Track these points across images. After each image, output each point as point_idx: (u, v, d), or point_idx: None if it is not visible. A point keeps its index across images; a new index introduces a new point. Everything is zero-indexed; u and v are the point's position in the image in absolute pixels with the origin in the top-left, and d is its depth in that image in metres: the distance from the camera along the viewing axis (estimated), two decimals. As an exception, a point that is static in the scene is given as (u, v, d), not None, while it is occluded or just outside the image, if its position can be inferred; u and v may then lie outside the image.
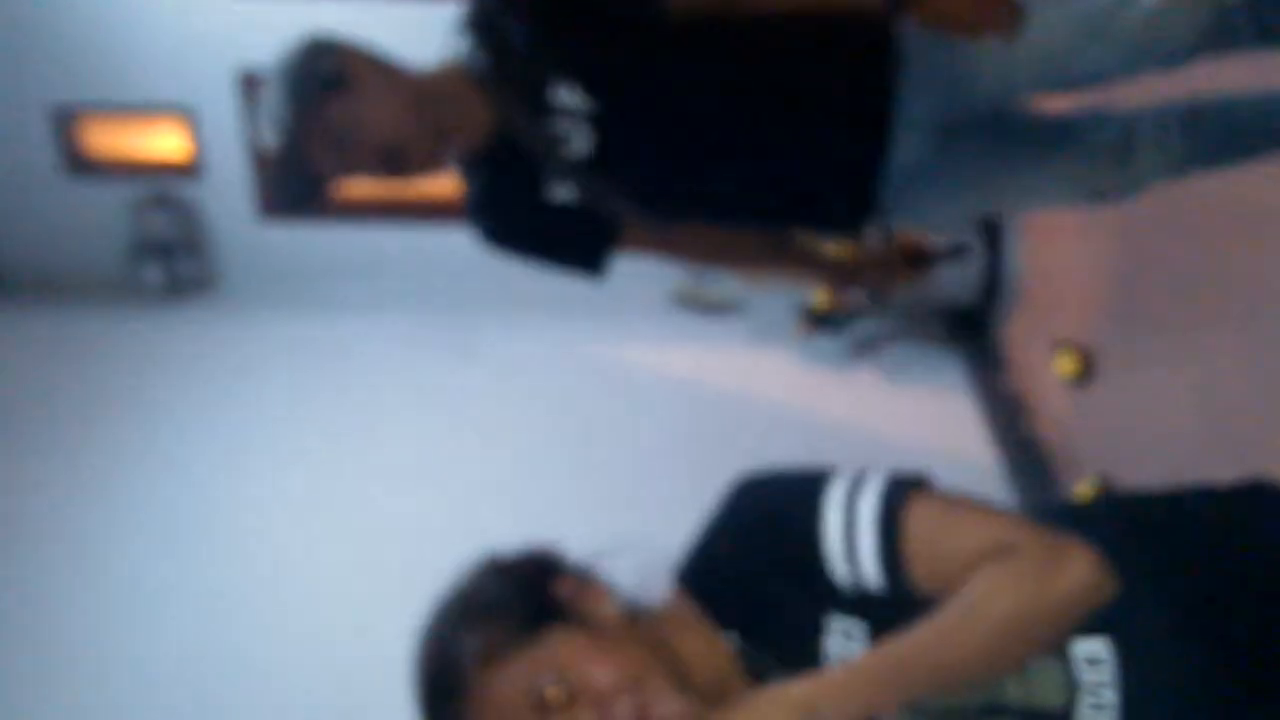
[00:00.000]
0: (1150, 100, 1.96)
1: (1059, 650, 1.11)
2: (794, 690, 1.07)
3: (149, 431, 4.65)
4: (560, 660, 1.13)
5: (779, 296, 5.23)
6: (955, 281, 4.79)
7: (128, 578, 3.93)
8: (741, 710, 1.07)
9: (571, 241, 2.07)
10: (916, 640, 1.07)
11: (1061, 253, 4.14)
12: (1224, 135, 1.93)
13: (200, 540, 4.08)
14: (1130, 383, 3.54)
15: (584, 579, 1.23)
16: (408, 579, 3.69)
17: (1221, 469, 2.88)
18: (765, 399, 4.83)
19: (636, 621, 1.20)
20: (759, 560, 1.19)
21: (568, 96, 1.86)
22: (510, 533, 4.30)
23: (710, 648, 1.19)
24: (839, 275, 2.34)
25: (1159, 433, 3.30)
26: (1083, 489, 3.59)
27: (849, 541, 1.14)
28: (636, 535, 3.89)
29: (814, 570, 1.15)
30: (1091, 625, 1.10)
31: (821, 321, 5.08)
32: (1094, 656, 1.10)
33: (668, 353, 5.15)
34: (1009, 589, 1.07)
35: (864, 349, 5.02)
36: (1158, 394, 3.33)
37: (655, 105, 1.87)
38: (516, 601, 1.18)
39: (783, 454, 4.71)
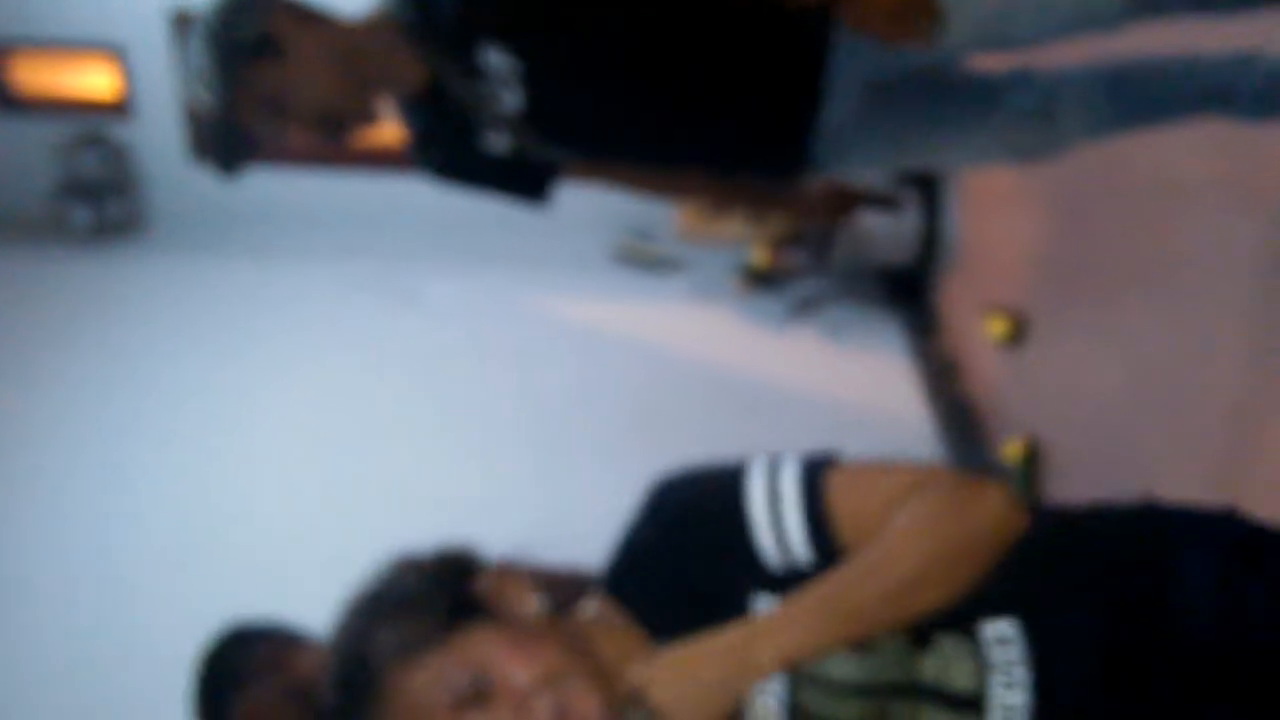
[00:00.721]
0: (1077, 61, 1.98)
1: (969, 632, 1.11)
2: (723, 639, 1.06)
3: (71, 374, 4.57)
4: (478, 657, 1.09)
5: (720, 255, 5.24)
6: (893, 245, 4.83)
7: (47, 521, 3.87)
8: (668, 665, 1.07)
9: (515, 173, 2.07)
10: (843, 578, 1.08)
11: (997, 219, 4.18)
12: (1147, 98, 1.96)
13: (122, 484, 4.03)
14: (1059, 345, 3.59)
15: (505, 575, 1.19)
16: (341, 524, 3.69)
17: (1145, 430, 2.95)
18: (704, 357, 4.84)
19: (559, 621, 1.17)
20: (684, 554, 1.17)
21: (496, 58, 1.86)
22: (445, 482, 4.28)
23: (634, 651, 1.16)
24: (776, 207, 2.38)
25: (1086, 394, 3.36)
26: (1011, 449, 3.65)
27: (775, 514, 1.13)
28: (572, 489, 3.87)
29: (741, 554, 1.14)
30: (998, 607, 1.11)
31: (761, 281, 5.10)
32: (1003, 637, 1.11)
33: (609, 308, 5.15)
34: (927, 520, 1.09)
35: (803, 309, 5.04)
36: (1085, 356, 3.38)
37: (584, 65, 1.87)
38: (434, 597, 1.14)
39: (720, 412, 4.76)
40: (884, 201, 2.42)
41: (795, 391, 4.60)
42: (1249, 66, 1.91)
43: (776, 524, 1.13)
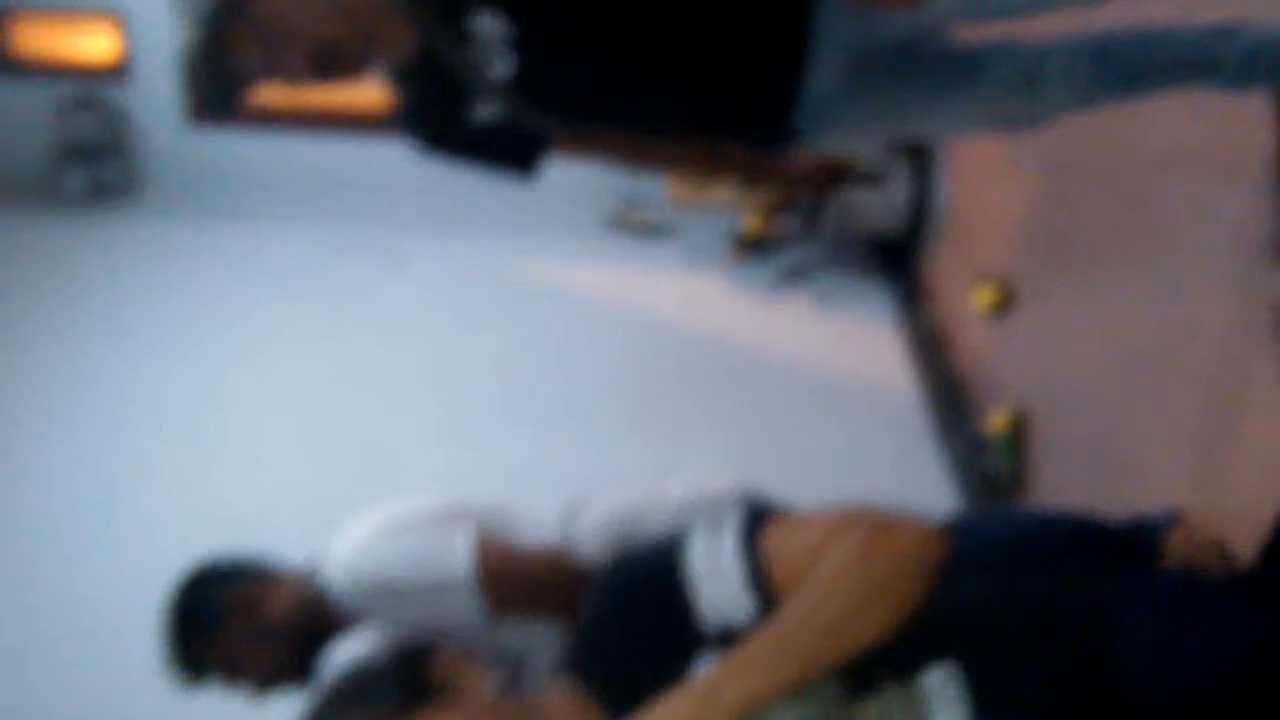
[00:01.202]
0: (1062, 32, 2.00)
1: (907, 677, 1.16)
2: (686, 694, 1.13)
3: (64, 336, 4.59)
4: None
5: (711, 222, 5.25)
6: (883, 213, 4.84)
7: (39, 479, 3.90)
8: None
9: (504, 146, 2.07)
10: (784, 621, 1.15)
11: (986, 188, 4.19)
12: (1131, 69, 1.97)
13: (114, 444, 4.06)
14: (1047, 315, 3.61)
15: (462, 657, 1.26)
16: (329, 488, 3.72)
17: (1129, 401, 2.98)
18: (694, 324, 4.86)
19: (515, 702, 1.24)
20: (635, 623, 1.23)
21: (488, 24, 1.86)
22: (432, 444, 4.27)
23: None
24: (763, 180, 2.39)
25: (1072, 364, 3.38)
26: (997, 420, 3.68)
27: (718, 569, 1.20)
28: (563, 454, 3.87)
29: (688, 615, 1.20)
30: (936, 651, 1.17)
31: (752, 248, 5.11)
32: (941, 680, 1.17)
33: (600, 275, 5.16)
34: (850, 559, 1.17)
35: (793, 277, 5.06)
36: (1072, 326, 3.40)
37: (574, 27, 1.88)
38: (394, 680, 1.22)
39: (709, 379, 4.75)
40: (869, 178, 2.44)
41: (785, 360, 4.63)
42: (1232, 37, 1.92)
43: (720, 578, 1.20)
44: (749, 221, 5.09)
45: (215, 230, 5.24)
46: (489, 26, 1.86)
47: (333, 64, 1.85)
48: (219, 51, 1.81)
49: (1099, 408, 3.19)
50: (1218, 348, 2.61)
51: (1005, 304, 3.82)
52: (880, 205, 4.83)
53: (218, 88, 1.89)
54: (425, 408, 4.24)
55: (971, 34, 2.05)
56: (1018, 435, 3.62)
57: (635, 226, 5.47)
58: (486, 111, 1.97)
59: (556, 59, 1.90)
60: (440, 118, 2.02)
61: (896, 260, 4.97)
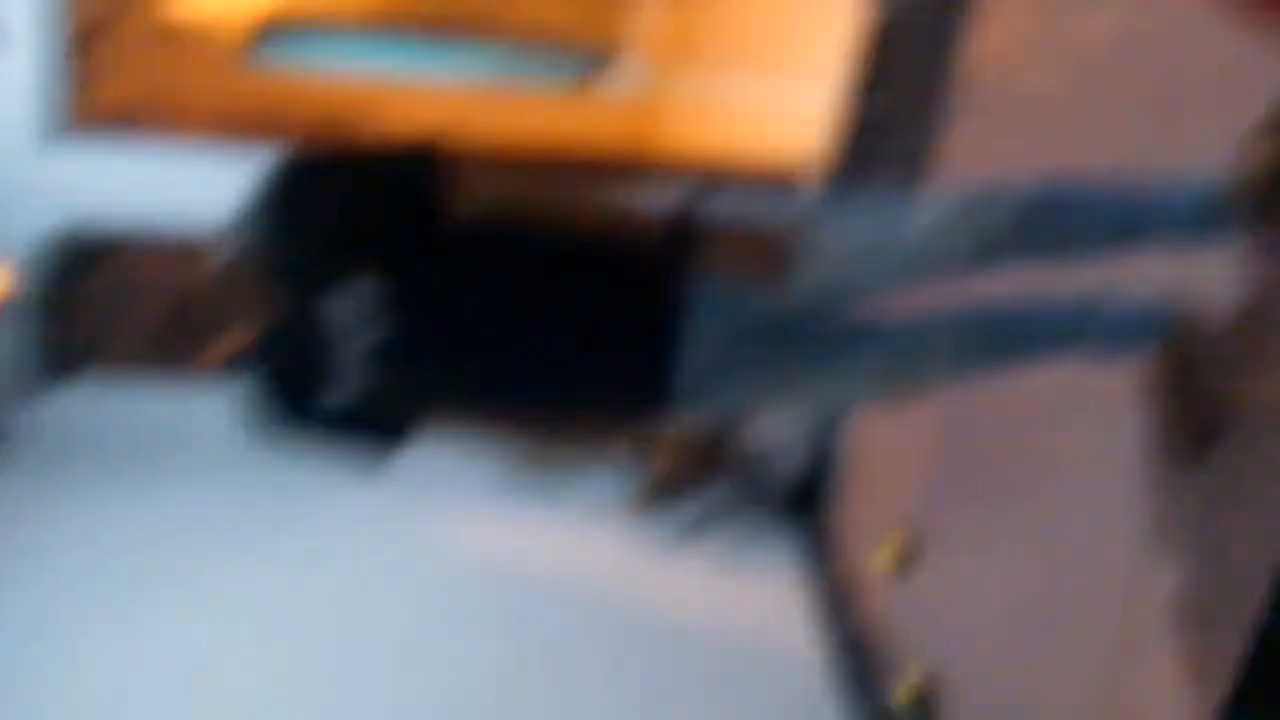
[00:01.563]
0: (934, 307, 2.04)
1: None
2: None
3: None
4: None
5: (611, 471, 5.13)
6: (785, 459, 4.77)
7: None
8: None
9: (363, 425, 2.03)
10: None
11: (885, 433, 4.14)
12: (1001, 341, 2.01)
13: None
14: (950, 569, 3.52)
15: None
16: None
17: (1034, 661, 2.85)
18: (590, 580, 4.70)
19: None
20: None
21: (354, 296, 1.84)
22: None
23: None
24: (645, 457, 2.45)
25: (977, 622, 3.29)
26: (905, 690, 3.49)
27: None
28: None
29: None
30: None
31: (653, 497, 4.99)
32: None
33: (493, 528, 4.98)
34: None
35: (695, 528, 4.92)
36: (975, 580, 3.32)
37: (438, 306, 1.88)
38: None
39: (603, 643, 4.55)
40: (741, 468, 2.47)
41: (686, 620, 4.46)
42: (1095, 311, 2.01)
43: None
44: (649, 470, 4.97)
45: (79, 496, 4.98)
46: (351, 299, 1.82)
47: (179, 336, 1.84)
48: (62, 316, 1.80)
49: (1006, 669, 3.07)
50: (1118, 588, 2.52)
51: (908, 559, 3.70)
52: (782, 449, 4.77)
53: (60, 360, 1.86)
54: (299, 687, 3.97)
55: (847, 309, 2.07)
56: (926, 704, 3.42)
57: (532, 475, 5.32)
58: (346, 389, 1.92)
59: (426, 326, 1.87)
60: (295, 396, 1.98)
61: (801, 509, 4.86)
